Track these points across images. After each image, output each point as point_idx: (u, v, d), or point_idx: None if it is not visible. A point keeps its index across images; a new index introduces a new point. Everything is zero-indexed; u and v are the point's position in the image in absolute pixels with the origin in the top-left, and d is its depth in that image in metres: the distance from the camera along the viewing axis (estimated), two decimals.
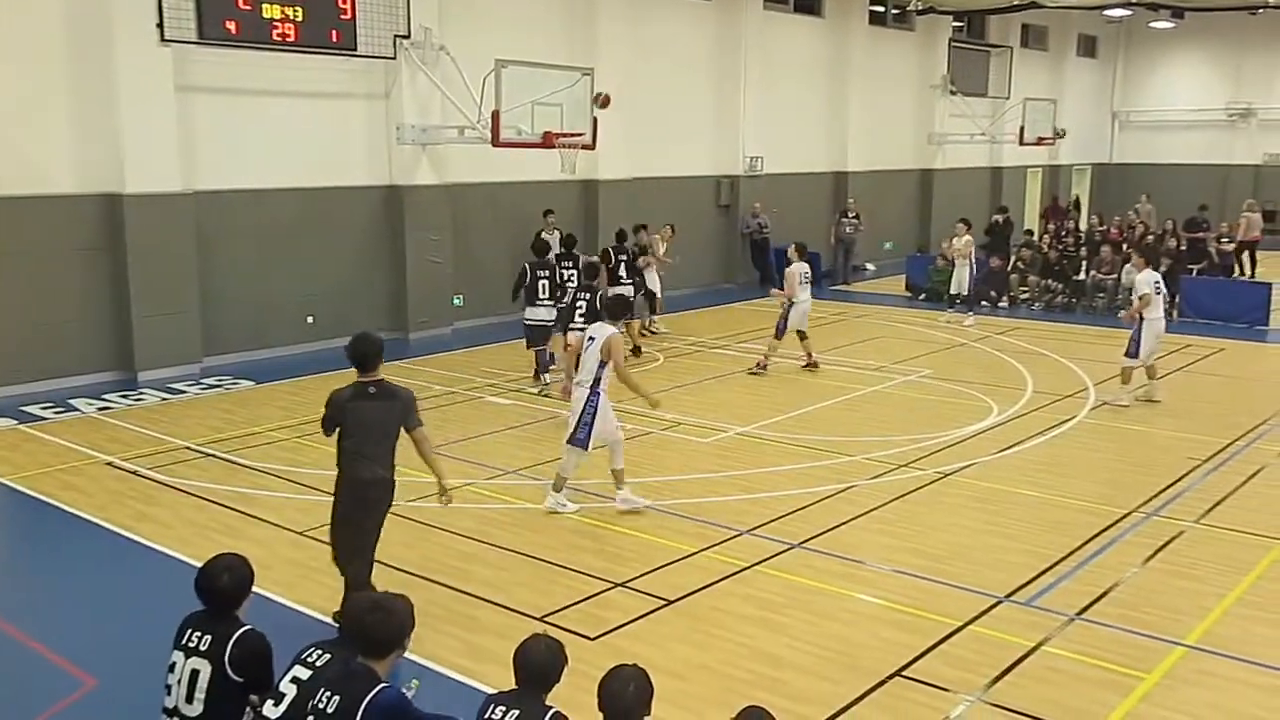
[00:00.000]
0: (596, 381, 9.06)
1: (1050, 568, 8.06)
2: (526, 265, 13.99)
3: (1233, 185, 33.22)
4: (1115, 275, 20.50)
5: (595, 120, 16.23)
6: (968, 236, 18.93)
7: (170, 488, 9.94)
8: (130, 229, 14.10)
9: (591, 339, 9.20)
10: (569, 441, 9.16)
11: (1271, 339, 18.33)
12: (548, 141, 15.65)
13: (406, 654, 4.63)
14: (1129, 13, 31.44)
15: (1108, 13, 32.66)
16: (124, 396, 13.51)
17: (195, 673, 4.59)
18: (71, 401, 13.15)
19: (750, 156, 23.40)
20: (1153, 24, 34.10)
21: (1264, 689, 6.37)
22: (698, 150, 22.67)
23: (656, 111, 21.17)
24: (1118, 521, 9.00)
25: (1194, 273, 21.49)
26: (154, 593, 7.57)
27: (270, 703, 4.44)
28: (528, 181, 18.54)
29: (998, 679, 6.40)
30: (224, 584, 4.75)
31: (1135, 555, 8.32)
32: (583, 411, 9.07)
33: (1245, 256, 24.68)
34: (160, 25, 13.87)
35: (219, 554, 4.95)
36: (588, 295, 12.85)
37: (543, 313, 13.72)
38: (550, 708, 4.21)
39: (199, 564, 4.90)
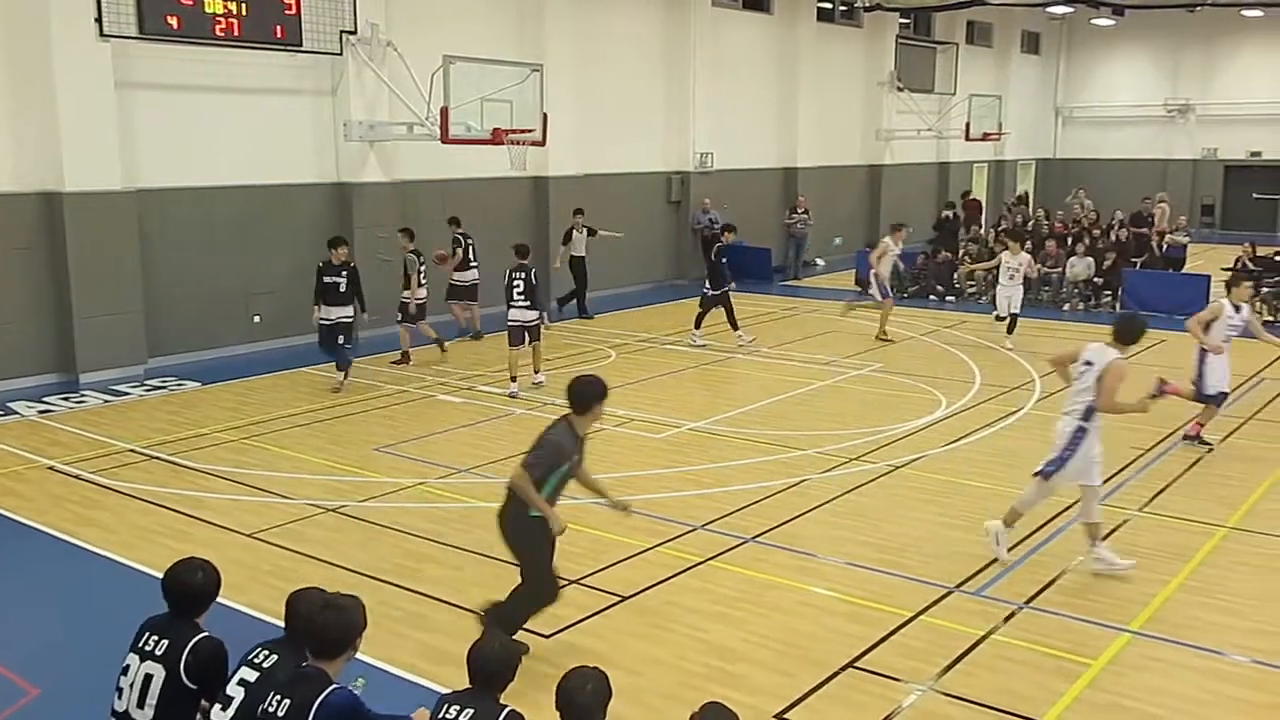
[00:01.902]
0: (1090, 413, 7.82)
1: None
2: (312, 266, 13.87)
3: (1172, 180, 33.93)
4: (1060, 269, 20.83)
5: (545, 116, 16.18)
6: (1023, 254, 17.15)
7: (114, 491, 9.76)
8: (70, 228, 13.80)
9: (1089, 363, 7.93)
10: (1035, 472, 8.06)
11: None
12: (497, 138, 15.61)
13: (359, 655, 4.58)
14: (1071, 10, 32.02)
15: (1050, 10, 33.21)
16: (65, 399, 13.24)
17: (149, 677, 4.54)
18: (11, 404, 12.87)
19: (701, 153, 23.44)
20: (1094, 21, 34.75)
21: (1206, 672, 6.51)
22: (648, 147, 22.66)
23: (606, 108, 21.15)
24: (1064, 511, 9.13)
25: (1136, 265, 21.87)
26: (99, 599, 7.41)
27: (218, 707, 4.38)
28: (478, 178, 18.45)
29: (949, 668, 6.48)
30: (195, 583, 4.71)
31: (1081, 544, 8.42)
32: (1066, 444, 7.88)
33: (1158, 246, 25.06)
34: (99, 20, 13.62)
35: (188, 556, 4.93)
36: (523, 275, 13.16)
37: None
38: (505, 706, 4.19)
39: (145, 569, 4.84)
